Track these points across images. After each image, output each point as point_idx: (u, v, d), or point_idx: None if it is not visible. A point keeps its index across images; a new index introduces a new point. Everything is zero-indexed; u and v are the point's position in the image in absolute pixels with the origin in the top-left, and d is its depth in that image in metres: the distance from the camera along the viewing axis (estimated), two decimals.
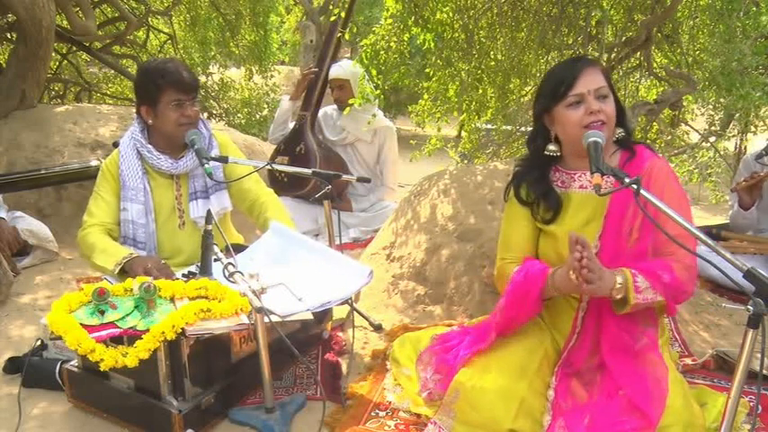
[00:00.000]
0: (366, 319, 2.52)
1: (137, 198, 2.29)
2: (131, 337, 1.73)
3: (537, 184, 1.86)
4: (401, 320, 2.57)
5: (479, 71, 3.36)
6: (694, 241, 1.48)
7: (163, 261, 2.19)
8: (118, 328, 1.74)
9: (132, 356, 1.67)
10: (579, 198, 1.81)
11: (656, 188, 1.69)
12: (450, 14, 3.22)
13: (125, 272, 2.10)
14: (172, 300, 1.85)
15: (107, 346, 1.71)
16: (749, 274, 1.35)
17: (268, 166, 2.37)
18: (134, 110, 2.36)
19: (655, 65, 3.34)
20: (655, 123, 3.63)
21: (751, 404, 1.86)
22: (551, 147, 1.83)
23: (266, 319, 1.75)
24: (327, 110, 4.05)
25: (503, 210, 2.63)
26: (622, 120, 1.80)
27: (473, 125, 3.65)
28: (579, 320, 1.80)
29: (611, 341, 1.73)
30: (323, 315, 2.32)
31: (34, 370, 2.08)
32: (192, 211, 2.35)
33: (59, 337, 1.73)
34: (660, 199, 1.52)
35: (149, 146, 2.30)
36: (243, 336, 1.96)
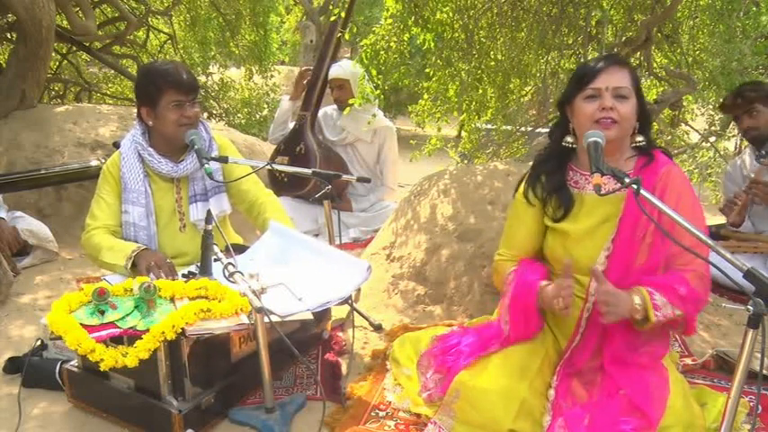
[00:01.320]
0: (366, 319, 2.52)
1: (138, 201, 2.30)
2: (131, 337, 1.73)
3: (552, 176, 1.86)
4: (401, 320, 2.57)
5: (479, 71, 3.36)
6: (707, 250, 1.47)
7: (168, 259, 2.19)
8: (118, 328, 1.74)
9: (132, 356, 1.67)
10: (593, 200, 1.79)
11: (671, 196, 1.69)
12: (451, 14, 3.22)
13: (135, 265, 2.11)
14: (172, 300, 1.85)
15: (107, 346, 1.71)
16: (749, 274, 1.35)
17: (268, 166, 2.38)
18: (134, 110, 2.37)
19: (655, 65, 3.33)
20: (655, 123, 3.63)
21: (751, 404, 1.86)
22: (568, 138, 1.84)
23: (266, 319, 1.75)
24: (327, 110, 4.05)
25: (503, 210, 2.64)
26: (646, 128, 1.80)
27: (473, 125, 3.64)
28: (583, 321, 1.80)
29: (615, 342, 1.73)
30: (322, 315, 2.32)
31: (34, 370, 2.08)
32: (192, 213, 2.36)
33: (59, 337, 1.73)
34: (675, 207, 1.51)
35: (150, 149, 2.31)
36: (242, 336, 1.96)
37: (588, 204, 1.81)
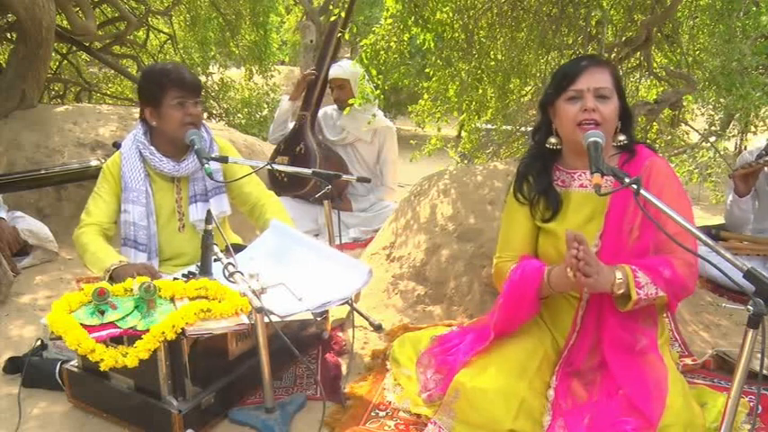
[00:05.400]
0: (366, 319, 2.52)
1: (138, 200, 2.30)
2: (131, 337, 1.73)
3: (539, 179, 1.86)
4: (401, 320, 2.57)
5: (479, 71, 3.36)
6: (694, 240, 1.48)
7: (151, 266, 2.18)
8: (118, 328, 1.74)
9: (132, 356, 1.67)
10: (579, 197, 1.81)
11: (654, 187, 1.69)
12: (450, 14, 3.21)
13: (113, 279, 2.08)
14: (172, 300, 1.85)
15: (107, 346, 1.71)
16: (749, 274, 1.35)
17: (268, 166, 2.38)
18: (134, 110, 2.37)
19: (655, 65, 3.33)
20: (655, 123, 3.62)
21: (751, 404, 1.86)
22: (552, 140, 1.84)
23: (266, 319, 1.75)
24: (327, 110, 4.05)
25: (503, 209, 2.64)
26: (628, 127, 1.80)
27: (473, 125, 3.64)
28: (579, 319, 1.80)
29: (611, 340, 1.74)
30: (321, 314, 2.32)
31: (34, 370, 2.08)
32: (192, 214, 2.36)
33: (59, 337, 1.73)
34: (659, 197, 1.52)
35: (152, 147, 2.31)
36: (238, 334, 1.95)
37: (575, 202, 1.82)
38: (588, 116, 1.70)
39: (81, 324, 1.73)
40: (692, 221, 1.51)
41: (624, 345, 1.72)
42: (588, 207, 1.80)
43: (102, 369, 1.70)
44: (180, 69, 2.28)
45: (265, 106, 7.69)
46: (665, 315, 1.84)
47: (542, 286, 1.73)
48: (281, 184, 3.74)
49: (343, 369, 2.18)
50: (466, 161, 3.83)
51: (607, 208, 1.75)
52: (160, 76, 2.24)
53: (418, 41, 3.30)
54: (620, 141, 1.79)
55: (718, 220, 3.42)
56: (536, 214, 1.87)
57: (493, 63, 3.40)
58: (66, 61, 6.24)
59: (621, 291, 1.62)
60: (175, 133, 2.27)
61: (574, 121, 1.72)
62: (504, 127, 3.69)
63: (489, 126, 3.76)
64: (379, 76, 3.28)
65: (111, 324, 1.75)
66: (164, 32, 7.01)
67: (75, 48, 5.84)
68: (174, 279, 2.02)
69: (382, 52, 3.19)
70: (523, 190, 1.89)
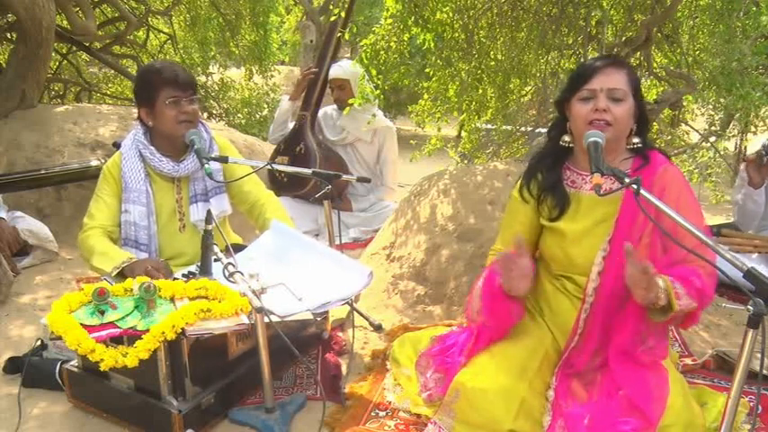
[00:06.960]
0: (366, 319, 2.52)
1: (139, 200, 2.30)
2: (131, 337, 1.73)
3: (548, 175, 1.86)
4: (401, 320, 2.57)
5: (479, 71, 3.36)
6: (713, 254, 1.45)
7: (163, 261, 2.18)
8: (118, 328, 1.75)
9: (132, 356, 1.67)
10: (590, 200, 1.79)
11: (670, 196, 1.68)
12: (450, 14, 3.22)
13: (123, 275, 2.08)
14: (172, 300, 1.85)
15: (107, 346, 1.71)
16: (749, 274, 1.35)
17: (268, 166, 2.38)
18: (134, 110, 2.37)
19: (655, 65, 3.33)
20: (655, 123, 3.62)
21: (751, 404, 1.86)
22: (566, 137, 1.83)
23: (266, 319, 1.75)
24: (327, 110, 4.05)
25: (503, 210, 2.64)
26: (643, 130, 1.80)
27: (473, 125, 3.64)
28: (582, 321, 1.79)
29: (620, 346, 1.71)
30: (320, 314, 2.32)
31: (34, 370, 2.08)
32: (193, 214, 2.35)
33: (59, 337, 1.73)
34: (675, 207, 1.50)
35: (152, 147, 2.31)
36: (238, 334, 1.95)
37: (585, 204, 1.81)
38: (599, 116, 1.70)
39: (81, 324, 1.73)
40: (708, 234, 1.48)
41: (633, 351, 1.70)
42: (599, 211, 1.78)
43: (102, 369, 1.70)
44: (172, 67, 2.27)
45: (265, 106, 7.69)
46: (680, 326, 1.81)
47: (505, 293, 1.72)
48: (281, 184, 3.74)
49: (343, 369, 2.18)
50: (466, 161, 3.83)
51: (618, 213, 1.74)
52: (152, 75, 2.24)
53: (418, 41, 3.30)
54: (633, 144, 1.78)
55: (719, 219, 3.43)
56: (543, 212, 1.87)
57: (493, 63, 3.40)
58: (66, 61, 6.25)
59: (663, 302, 1.56)
60: (172, 132, 2.27)
61: (585, 120, 1.72)
62: (504, 127, 3.69)
63: (489, 126, 3.76)
64: (379, 76, 3.28)
65: (111, 324, 1.75)
66: (164, 32, 7.01)
67: (75, 48, 5.85)
68: (174, 279, 2.03)
69: (382, 52, 3.19)
70: (531, 185, 1.89)
